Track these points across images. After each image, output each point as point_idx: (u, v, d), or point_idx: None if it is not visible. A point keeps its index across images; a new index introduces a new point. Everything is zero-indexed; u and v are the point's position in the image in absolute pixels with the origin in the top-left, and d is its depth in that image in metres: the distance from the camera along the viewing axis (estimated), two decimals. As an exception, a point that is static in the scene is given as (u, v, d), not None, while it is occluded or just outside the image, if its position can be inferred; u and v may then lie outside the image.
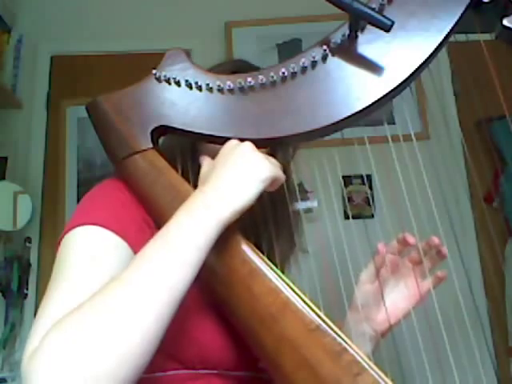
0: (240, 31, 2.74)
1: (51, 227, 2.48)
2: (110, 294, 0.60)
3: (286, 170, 0.81)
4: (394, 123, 2.19)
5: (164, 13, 2.78)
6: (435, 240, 0.92)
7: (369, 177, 2.42)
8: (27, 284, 2.39)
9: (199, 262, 0.66)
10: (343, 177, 2.47)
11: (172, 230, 0.67)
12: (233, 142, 0.76)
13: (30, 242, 2.45)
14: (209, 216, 0.68)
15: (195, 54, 2.67)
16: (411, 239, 0.92)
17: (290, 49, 2.69)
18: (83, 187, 2.54)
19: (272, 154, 0.80)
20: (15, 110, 2.64)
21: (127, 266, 0.64)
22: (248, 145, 0.74)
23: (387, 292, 0.95)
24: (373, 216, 2.41)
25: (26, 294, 2.38)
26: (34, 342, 0.59)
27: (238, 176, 0.71)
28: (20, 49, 2.70)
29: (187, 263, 0.65)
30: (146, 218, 0.79)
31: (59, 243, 0.75)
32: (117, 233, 0.74)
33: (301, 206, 2.31)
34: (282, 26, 2.74)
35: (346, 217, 2.48)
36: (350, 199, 2.51)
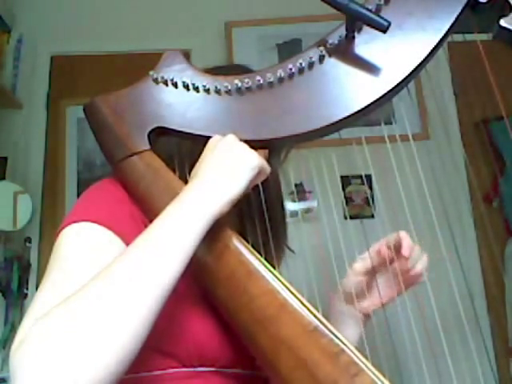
0: (240, 31, 2.74)
1: (51, 227, 2.48)
2: (96, 284, 0.60)
3: (276, 172, 0.82)
4: (394, 123, 2.18)
5: (164, 13, 2.78)
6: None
7: (369, 177, 2.42)
8: (27, 284, 2.39)
9: (188, 255, 0.66)
10: (343, 177, 2.47)
11: (162, 224, 0.67)
12: (217, 137, 0.76)
13: (30, 242, 2.45)
14: (199, 209, 0.68)
15: (195, 53, 2.67)
16: (406, 251, 0.90)
17: (289, 49, 2.69)
18: (83, 187, 2.51)
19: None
20: (15, 110, 2.63)
21: (115, 258, 0.64)
22: (232, 137, 0.75)
23: (372, 280, 0.96)
24: (373, 216, 2.40)
25: (26, 294, 2.37)
26: (21, 334, 0.59)
27: (225, 166, 0.72)
28: (20, 49, 2.70)
29: (176, 255, 0.65)
30: (142, 216, 0.79)
31: (56, 237, 0.76)
32: (111, 229, 0.74)
33: (300, 206, 2.33)
34: (281, 25, 2.74)
35: (346, 217, 2.48)
36: (349, 199, 2.51)
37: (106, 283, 0.60)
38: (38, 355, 0.54)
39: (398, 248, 0.92)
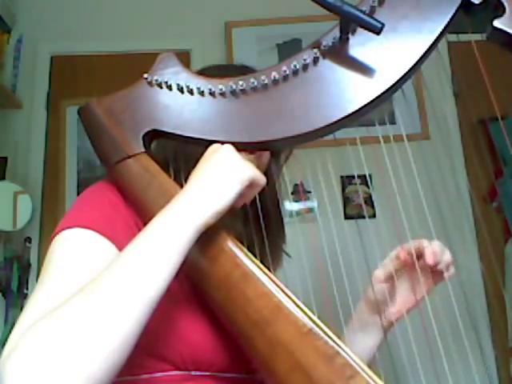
0: (240, 31, 2.74)
1: (51, 227, 2.44)
2: (83, 296, 0.61)
3: (272, 175, 0.81)
4: (394, 124, 2.18)
5: (164, 13, 2.78)
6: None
7: (369, 177, 2.42)
8: (27, 284, 2.40)
9: (175, 266, 0.66)
10: (343, 177, 2.47)
11: (148, 235, 0.67)
12: (214, 146, 0.76)
13: (30, 242, 2.46)
14: (183, 221, 0.68)
15: (195, 53, 2.68)
16: (430, 259, 0.89)
17: (289, 49, 2.69)
18: (83, 187, 2.51)
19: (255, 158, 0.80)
20: (15, 110, 2.64)
21: (103, 269, 0.64)
22: (228, 147, 0.74)
23: (398, 285, 0.95)
24: (373, 216, 2.40)
25: (26, 294, 2.38)
26: (11, 343, 0.59)
27: (216, 177, 0.71)
28: (20, 49, 2.71)
29: (161, 267, 0.65)
30: (137, 220, 0.79)
31: (50, 243, 0.76)
32: (105, 235, 0.74)
33: (301, 206, 2.32)
34: (281, 26, 2.74)
35: (346, 217, 2.48)
36: (349, 199, 2.51)
37: (93, 295, 0.61)
38: (28, 366, 0.55)
39: (418, 254, 0.91)
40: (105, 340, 0.58)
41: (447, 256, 0.90)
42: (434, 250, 0.89)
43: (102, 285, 0.62)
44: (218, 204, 0.70)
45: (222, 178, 0.71)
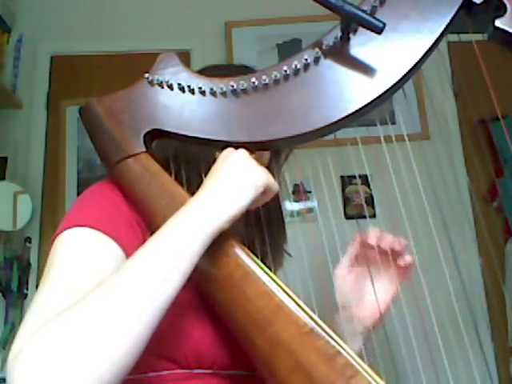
0: (240, 31, 2.74)
1: (51, 227, 2.48)
2: (95, 299, 0.61)
3: (277, 176, 0.81)
4: (394, 124, 2.18)
5: (164, 13, 2.79)
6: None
7: (369, 177, 2.42)
8: (27, 284, 2.40)
9: (190, 269, 0.66)
10: (343, 177, 2.47)
11: (165, 238, 0.67)
12: (228, 150, 0.76)
13: (30, 242, 2.46)
14: (201, 224, 0.68)
15: (195, 54, 2.68)
16: (372, 240, 0.91)
17: (289, 49, 2.69)
18: (83, 187, 2.54)
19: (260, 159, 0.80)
20: (15, 110, 2.64)
21: (116, 270, 0.64)
22: (242, 153, 0.74)
23: (365, 286, 0.95)
24: (374, 216, 2.40)
25: (26, 294, 2.38)
26: (19, 343, 0.59)
27: (231, 183, 0.71)
28: (20, 49, 2.71)
29: (175, 273, 0.65)
30: (138, 219, 0.79)
31: (52, 244, 0.76)
32: (108, 234, 0.74)
33: (301, 206, 2.32)
34: (281, 26, 2.74)
35: (347, 217, 2.48)
36: (350, 199, 2.51)
37: (105, 298, 0.61)
38: (36, 368, 0.55)
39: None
40: (115, 342, 0.58)
41: (397, 246, 0.90)
42: (377, 234, 0.91)
43: (113, 289, 0.62)
44: (233, 209, 0.70)
45: (237, 183, 0.71)
